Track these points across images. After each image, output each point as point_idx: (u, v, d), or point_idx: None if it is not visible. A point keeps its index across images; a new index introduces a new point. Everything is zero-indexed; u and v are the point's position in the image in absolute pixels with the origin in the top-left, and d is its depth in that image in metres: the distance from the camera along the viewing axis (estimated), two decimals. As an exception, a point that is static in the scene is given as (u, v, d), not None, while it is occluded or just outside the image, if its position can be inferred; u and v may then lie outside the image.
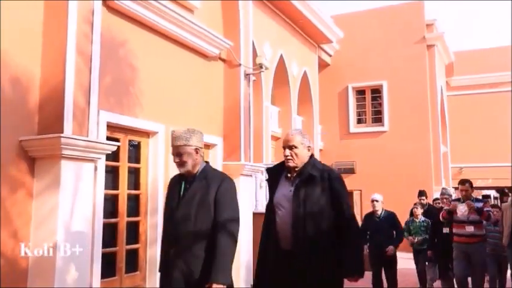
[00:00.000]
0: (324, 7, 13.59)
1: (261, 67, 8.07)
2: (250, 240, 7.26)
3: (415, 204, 8.20)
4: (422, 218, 7.86)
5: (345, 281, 3.13)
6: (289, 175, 3.19)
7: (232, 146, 7.33)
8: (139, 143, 6.18)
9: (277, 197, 3.17)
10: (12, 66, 4.31)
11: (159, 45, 6.30)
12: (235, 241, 3.00)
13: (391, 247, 6.75)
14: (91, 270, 4.71)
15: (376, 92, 16.00)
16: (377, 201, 6.92)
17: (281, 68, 12.10)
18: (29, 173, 4.37)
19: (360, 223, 7.58)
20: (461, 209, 6.23)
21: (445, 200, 7.30)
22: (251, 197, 7.72)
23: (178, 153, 3.06)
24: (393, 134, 15.25)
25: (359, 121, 16.26)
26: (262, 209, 8.06)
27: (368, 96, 16.18)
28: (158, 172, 6.13)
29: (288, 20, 12.45)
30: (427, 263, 7.70)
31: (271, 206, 3.20)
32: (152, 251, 5.91)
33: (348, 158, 15.59)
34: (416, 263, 7.88)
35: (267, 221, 3.24)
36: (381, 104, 15.88)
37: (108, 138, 5.24)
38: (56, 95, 4.43)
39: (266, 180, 3.48)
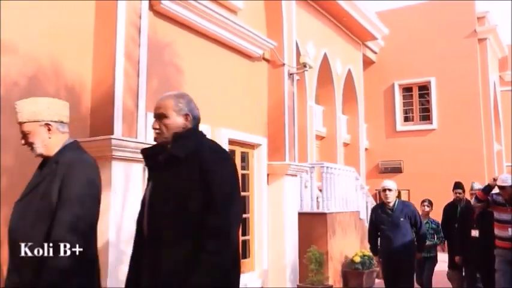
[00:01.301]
0: (368, 4, 13.34)
1: (305, 66, 8.01)
2: (295, 240, 7.24)
3: (422, 201, 6.85)
4: (431, 219, 6.61)
5: None
6: None
7: (277, 146, 7.32)
8: (185, 144, 6.28)
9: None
10: (67, 73, 4.52)
11: (203, 47, 6.39)
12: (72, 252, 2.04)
13: (419, 254, 5.66)
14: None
15: (424, 88, 15.54)
16: (390, 190, 5.50)
17: (325, 66, 12.01)
18: (82, 174, 4.55)
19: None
20: (504, 178, 4.92)
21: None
22: (296, 196, 7.69)
23: (23, 132, 2.30)
24: (442, 132, 14.75)
25: (406, 119, 15.85)
26: (307, 208, 8.03)
27: (415, 93, 15.75)
28: (204, 172, 6.20)
29: (331, 18, 12.33)
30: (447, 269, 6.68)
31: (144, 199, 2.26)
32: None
33: (395, 157, 15.25)
34: (417, 272, 6.24)
35: (138, 219, 2.26)
36: (428, 101, 15.41)
37: (156, 140, 5.37)
38: (107, 99, 4.60)
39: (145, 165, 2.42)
